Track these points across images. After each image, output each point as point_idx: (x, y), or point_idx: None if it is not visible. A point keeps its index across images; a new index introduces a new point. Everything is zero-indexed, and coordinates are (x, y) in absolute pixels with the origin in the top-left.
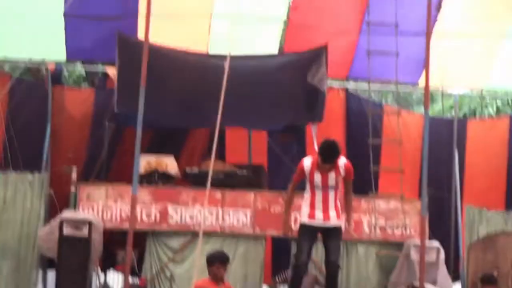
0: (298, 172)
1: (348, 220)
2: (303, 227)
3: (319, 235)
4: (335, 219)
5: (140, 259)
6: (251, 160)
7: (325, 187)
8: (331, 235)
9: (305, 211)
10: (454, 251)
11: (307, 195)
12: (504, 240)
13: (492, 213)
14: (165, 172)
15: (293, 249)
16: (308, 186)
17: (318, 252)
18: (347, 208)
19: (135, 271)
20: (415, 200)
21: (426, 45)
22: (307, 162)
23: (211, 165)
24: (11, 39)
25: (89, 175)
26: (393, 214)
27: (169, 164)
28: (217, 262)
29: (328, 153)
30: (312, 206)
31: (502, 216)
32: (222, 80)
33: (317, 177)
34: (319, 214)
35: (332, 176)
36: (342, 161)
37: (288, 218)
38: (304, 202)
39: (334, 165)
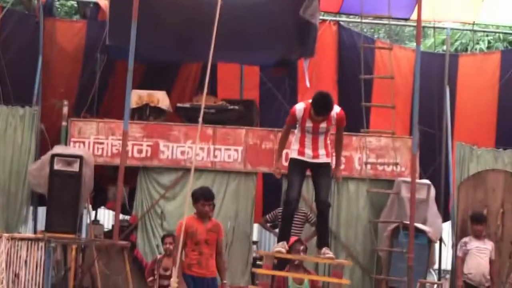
0: (290, 117)
1: (336, 164)
2: (293, 162)
3: (309, 173)
4: (324, 157)
5: (131, 196)
6: (242, 95)
7: (315, 132)
8: (320, 172)
9: (295, 148)
10: (444, 188)
11: (298, 134)
12: (494, 178)
13: (482, 150)
14: (157, 106)
15: (284, 185)
16: (299, 128)
17: (309, 189)
18: (337, 153)
19: (126, 208)
20: (406, 137)
21: None
22: (299, 107)
23: (203, 100)
24: None
25: (81, 108)
26: (384, 151)
27: (161, 98)
28: (201, 199)
29: (321, 106)
30: (302, 144)
31: (493, 153)
32: (215, 14)
33: (309, 124)
34: (308, 151)
35: (323, 125)
36: (335, 110)
37: (280, 159)
38: (294, 140)
39: (326, 117)
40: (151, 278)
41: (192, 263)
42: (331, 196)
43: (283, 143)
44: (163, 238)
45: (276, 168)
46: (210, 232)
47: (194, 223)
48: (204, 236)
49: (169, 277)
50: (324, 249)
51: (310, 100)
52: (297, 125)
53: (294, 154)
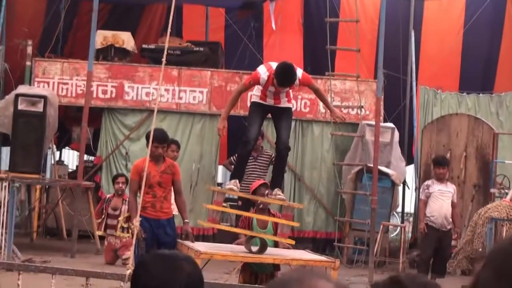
0: (252, 81)
1: (330, 110)
2: (254, 105)
3: (270, 116)
4: (286, 102)
5: (96, 137)
6: (208, 37)
7: (277, 93)
8: (281, 115)
9: (257, 94)
10: (408, 132)
11: (260, 87)
12: (458, 122)
13: (446, 94)
14: (122, 47)
15: None
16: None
17: (273, 132)
18: (326, 104)
19: (90, 149)
20: (370, 81)
21: None
22: (263, 75)
23: (167, 41)
24: None
25: (45, 49)
26: (348, 94)
27: (126, 39)
28: (154, 141)
29: (283, 79)
30: (264, 94)
31: (456, 98)
32: None
33: (271, 89)
34: (270, 100)
35: (285, 89)
36: (297, 76)
37: (225, 119)
38: (256, 88)
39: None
40: (99, 220)
41: (146, 206)
42: (296, 139)
43: (234, 103)
44: (115, 178)
45: (223, 127)
46: (164, 174)
47: (148, 166)
48: (157, 179)
49: (118, 216)
50: (276, 190)
51: (274, 66)
52: None
53: (256, 99)
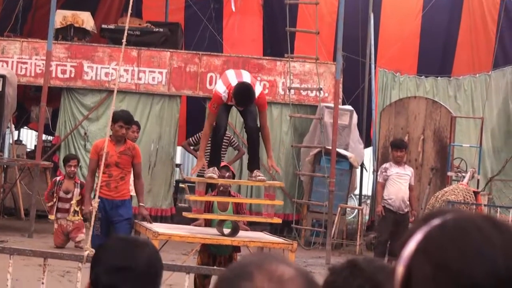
0: (216, 104)
1: (268, 155)
2: None
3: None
4: None
5: (54, 117)
6: (167, 17)
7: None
8: None
9: None
10: (367, 115)
11: None
12: (416, 105)
13: (404, 77)
14: (81, 27)
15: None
16: None
17: (232, 114)
18: (265, 143)
19: (49, 129)
20: (329, 63)
21: None
22: (224, 94)
23: (127, 22)
24: None
25: (4, 28)
26: (307, 76)
27: (85, 19)
28: (120, 120)
29: (241, 100)
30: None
31: (415, 81)
32: None
33: (231, 103)
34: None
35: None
36: (255, 95)
37: (204, 157)
38: None
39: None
40: (50, 203)
41: (101, 185)
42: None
43: (208, 137)
44: (66, 160)
45: (201, 165)
46: (122, 155)
47: (107, 146)
48: (115, 159)
49: (70, 199)
50: (256, 172)
51: (232, 82)
52: None
53: None
